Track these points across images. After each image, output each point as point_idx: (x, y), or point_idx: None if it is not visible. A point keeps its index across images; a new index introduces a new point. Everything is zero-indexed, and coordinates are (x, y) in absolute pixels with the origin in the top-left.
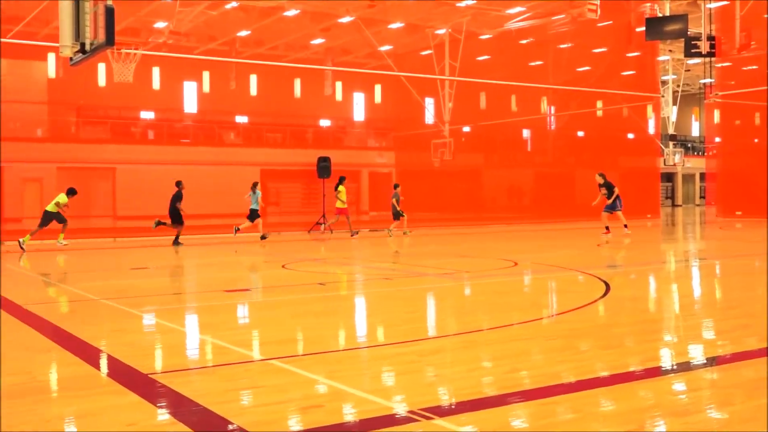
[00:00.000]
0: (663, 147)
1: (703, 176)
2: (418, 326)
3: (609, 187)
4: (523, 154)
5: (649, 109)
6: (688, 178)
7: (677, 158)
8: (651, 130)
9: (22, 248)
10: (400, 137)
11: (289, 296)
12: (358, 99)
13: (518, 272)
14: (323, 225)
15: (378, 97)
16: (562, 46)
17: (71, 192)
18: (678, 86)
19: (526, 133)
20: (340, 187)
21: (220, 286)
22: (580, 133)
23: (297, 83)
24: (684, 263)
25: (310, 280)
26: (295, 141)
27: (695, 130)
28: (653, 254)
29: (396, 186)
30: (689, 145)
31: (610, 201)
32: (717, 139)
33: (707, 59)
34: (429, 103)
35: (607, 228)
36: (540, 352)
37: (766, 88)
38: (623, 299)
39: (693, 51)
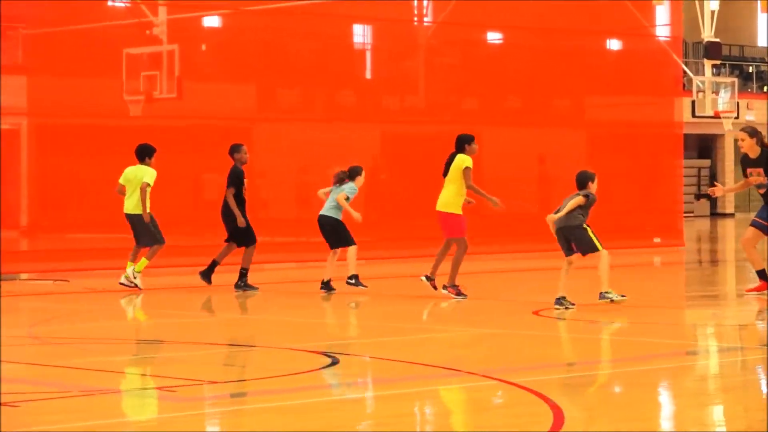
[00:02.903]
0: (691, 74)
1: None
2: None
3: None
4: (354, 87)
5: None
6: None
7: (722, 102)
8: (663, 33)
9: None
10: (35, 39)
11: None
12: None
13: (346, 376)
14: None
15: None
16: None
17: (150, 151)
18: None
19: (359, 33)
20: (466, 158)
21: None
22: (494, 38)
23: None
24: (736, 355)
25: None
26: None
27: (763, 37)
28: (667, 333)
29: (587, 178)
30: (750, 69)
31: None
32: None
33: None
34: None
35: (763, 274)
36: None
37: None
38: None
39: None
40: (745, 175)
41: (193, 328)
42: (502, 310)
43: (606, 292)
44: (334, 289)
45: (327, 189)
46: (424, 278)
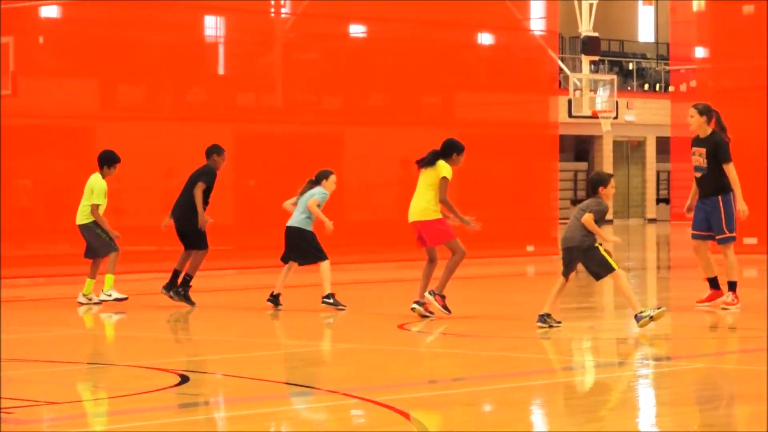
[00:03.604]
0: (567, 71)
1: (665, 146)
2: None
3: (719, 148)
4: (205, 84)
5: None
6: (633, 152)
7: (601, 101)
8: (538, 27)
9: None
10: None
11: None
12: None
13: (193, 395)
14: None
15: None
16: None
17: (110, 160)
18: None
19: (211, 25)
20: (448, 168)
21: None
22: (357, 32)
23: None
24: (614, 371)
25: None
26: None
27: (645, 31)
28: (541, 348)
29: (598, 182)
30: (630, 66)
31: (740, 208)
32: (699, 53)
33: None
34: None
35: (714, 282)
36: None
37: None
38: None
39: None
40: None
41: (44, 345)
42: (365, 324)
43: (641, 313)
44: (280, 305)
45: (293, 200)
46: (416, 305)
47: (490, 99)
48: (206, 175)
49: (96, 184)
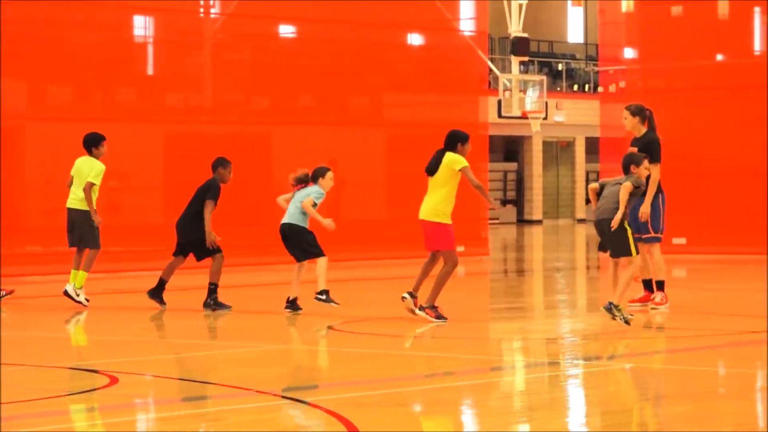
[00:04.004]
0: (497, 72)
1: (594, 146)
2: None
3: (649, 147)
4: (134, 84)
5: None
6: (563, 153)
7: (530, 101)
8: (467, 27)
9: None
10: None
11: None
12: None
13: (123, 396)
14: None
15: None
16: None
17: (95, 140)
18: None
19: (140, 24)
20: (460, 157)
21: None
22: (286, 32)
23: None
24: (543, 371)
25: None
26: None
27: (574, 32)
28: (470, 348)
29: (630, 161)
30: (559, 67)
31: (642, 210)
32: (628, 53)
33: None
34: None
35: (648, 287)
36: None
37: None
38: None
39: None
40: None
41: None
42: (296, 324)
43: (615, 306)
44: (300, 308)
45: (287, 195)
46: (407, 295)
47: (420, 99)
48: (212, 191)
49: (95, 164)
